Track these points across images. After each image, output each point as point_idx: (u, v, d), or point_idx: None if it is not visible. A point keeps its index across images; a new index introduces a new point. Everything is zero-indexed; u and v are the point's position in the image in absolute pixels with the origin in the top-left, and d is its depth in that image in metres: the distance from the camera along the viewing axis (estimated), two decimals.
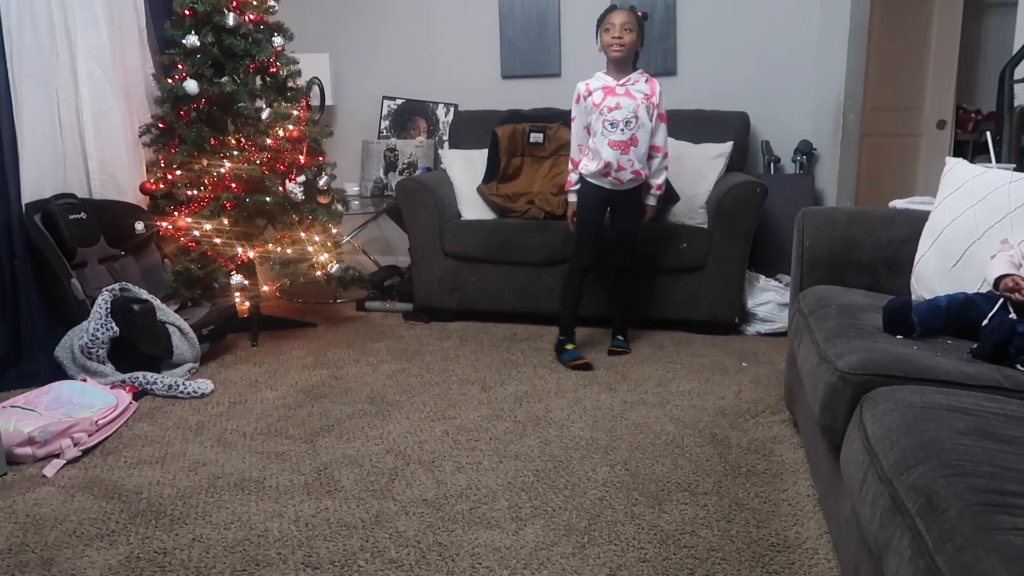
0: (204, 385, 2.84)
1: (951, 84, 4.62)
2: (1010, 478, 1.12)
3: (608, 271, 3.22)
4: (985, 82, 4.81)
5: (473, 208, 3.76)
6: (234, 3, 3.21)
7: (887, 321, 1.83)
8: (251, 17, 3.28)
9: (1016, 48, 2.85)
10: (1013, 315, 1.73)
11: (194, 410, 2.70)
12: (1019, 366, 1.61)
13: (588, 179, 3.02)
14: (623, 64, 2.94)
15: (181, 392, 2.80)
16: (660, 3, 4.08)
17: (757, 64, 4.03)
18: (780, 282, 3.57)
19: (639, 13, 2.95)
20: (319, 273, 3.42)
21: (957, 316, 1.82)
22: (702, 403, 2.67)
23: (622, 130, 2.91)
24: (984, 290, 1.90)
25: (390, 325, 3.68)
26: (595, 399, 2.72)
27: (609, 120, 2.92)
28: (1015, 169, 2.31)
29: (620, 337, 3.23)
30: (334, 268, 3.44)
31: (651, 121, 2.96)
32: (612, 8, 2.97)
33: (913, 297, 2.14)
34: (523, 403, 2.70)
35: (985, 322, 1.76)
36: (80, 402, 2.50)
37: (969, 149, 4.72)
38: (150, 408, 2.71)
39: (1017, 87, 2.80)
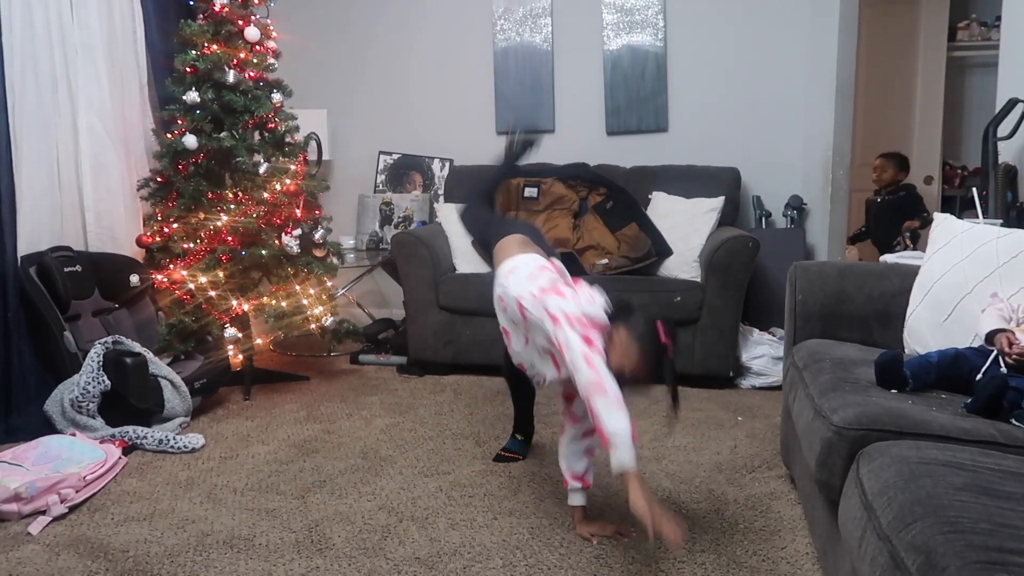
0: (195, 440, 2.81)
1: (937, 141, 4.73)
2: (1008, 535, 1.11)
3: None
4: (970, 139, 4.91)
5: (468, 261, 3.78)
6: (235, 61, 3.27)
7: (879, 375, 1.83)
8: (251, 74, 3.34)
9: (998, 106, 2.92)
10: (1004, 369, 1.74)
11: (184, 465, 2.66)
12: (1013, 420, 1.61)
13: None
14: None
15: (171, 447, 2.76)
16: (651, 61, 4.18)
17: (747, 121, 4.11)
18: (774, 335, 3.57)
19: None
20: (313, 326, 3.42)
21: (948, 371, 1.82)
22: (698, 458, 2.64)
23: None
24: (976, 344, 1.91)
25: (384, 378, 3.66)
26: None
27: None
28: (1001, 224, 2.35)
29: (517, 435, 2.70)
30: (328, 321, 3.44)
31: None
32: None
33: (906, 351, 2.15)
34: None
35: (979, 376, 1.77)
36: (68, 457, 2.47)
37: (956, 204, 4.79)
38: (139, 463, 2.67)
39: (1001, 144, 2.86)
